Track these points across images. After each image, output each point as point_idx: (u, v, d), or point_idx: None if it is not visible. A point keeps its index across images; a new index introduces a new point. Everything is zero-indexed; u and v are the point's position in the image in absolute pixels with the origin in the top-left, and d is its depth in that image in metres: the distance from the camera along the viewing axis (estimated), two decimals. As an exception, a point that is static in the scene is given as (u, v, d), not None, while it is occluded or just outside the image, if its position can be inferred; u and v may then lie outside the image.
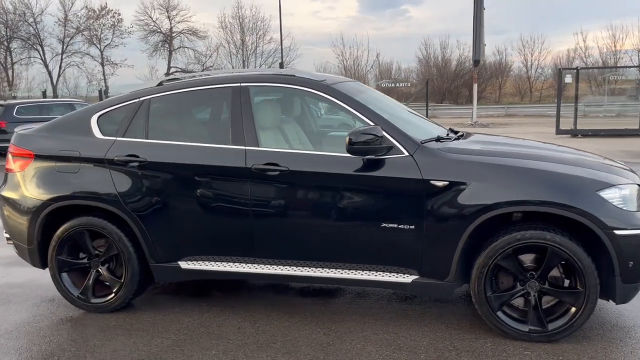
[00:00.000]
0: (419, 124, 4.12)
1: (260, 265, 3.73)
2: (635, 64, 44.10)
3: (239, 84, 3.83)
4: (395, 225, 3.45)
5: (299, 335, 3.54)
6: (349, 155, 3.51)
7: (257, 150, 3.66)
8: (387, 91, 27.81)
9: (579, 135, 16.02)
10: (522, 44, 47.90)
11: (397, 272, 3.53)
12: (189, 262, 3.83)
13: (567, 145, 4.42)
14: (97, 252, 4.01)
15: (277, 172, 3.57)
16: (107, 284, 4.02)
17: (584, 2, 60.99)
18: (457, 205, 3.33)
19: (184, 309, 4.02)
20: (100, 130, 3.99)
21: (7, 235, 4.27)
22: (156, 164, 3.79)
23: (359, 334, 3.55)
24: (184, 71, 42.83)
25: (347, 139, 3.38)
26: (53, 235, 4.00)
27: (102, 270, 4.00)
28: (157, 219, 3.80)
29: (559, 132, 16.26)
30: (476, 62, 24.61)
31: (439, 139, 3.72)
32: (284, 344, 3.43)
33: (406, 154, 3.45)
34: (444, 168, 3.40)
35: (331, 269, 3.61)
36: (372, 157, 3.45)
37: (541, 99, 45.72)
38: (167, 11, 45.55)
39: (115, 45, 45.51)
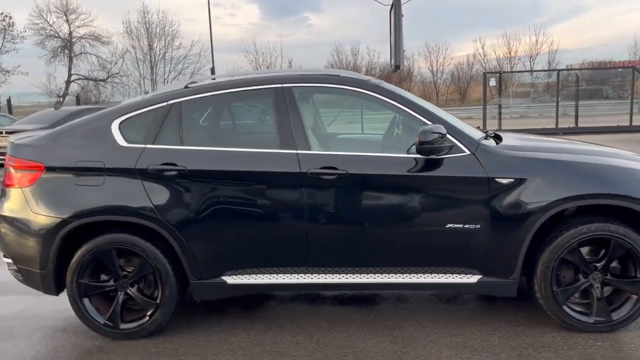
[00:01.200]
0: (459, 122, 4.11)
1: (314, 275, 3.52)
2: (529, 69, 47.63)
3: (281, 85, 3.61)
4: (461, 226, 3.39)
5: (366, 346, 3.39)
6: (408, 155, 3.43)
7: (311, 153, 3.46)
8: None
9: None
10: (428, 50, 50.18)
11: (461, 273, 3.47)
12: (235, 277, 3.54)
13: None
14: (124, 272, 3.61)
15: (335, 176, 3.40)
16: (137, 307, 3.64)
17: (480, 11, 64.92)
18: (523, 201, 3.34)
19: (224, 328, 3.71)
20: (123, 137, 3.60)
21: (8, 260, 3.74)
22: (198, 172, 3.48)
23: (425, 338, 3.45)
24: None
25: (417, 138, 3.28)
26: (71, 256, 3.56)
27: (132, 292, 3.60)
28: (200, 232, 3.49)
29: (485, 133, 17.07)
30: (397, 67, 25.24)
31: (487, 137, 3.73)
32: (357, 356, 3.26)
33: (468, 152, 3.42)
34: (506, 165, 3.39)
35: (391, 274, 3.49)
36: (435, 156, 3.38)
37: (447, 102, 48.23)
38: (66, 15, 42.68)
39: (7, 51, 42.05)
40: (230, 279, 3.54)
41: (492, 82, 17.35)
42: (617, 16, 62.46)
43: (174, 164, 3.48)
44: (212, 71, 27.96)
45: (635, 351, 3.21)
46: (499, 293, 3.55)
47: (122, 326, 3.60)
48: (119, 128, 3.63)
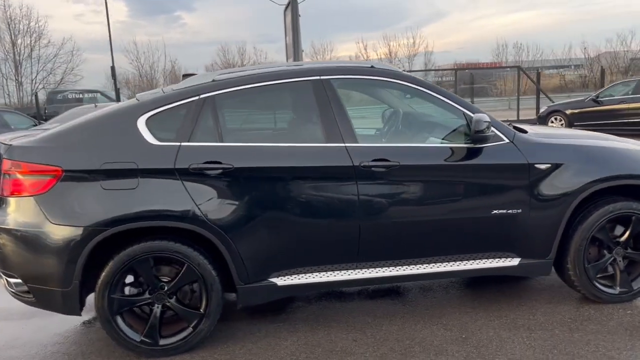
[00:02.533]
0: None
1: (364, 270, 3.47)
2: (408, 69, 50.34)
3: (318, 77, 3.50)
4: (505, 211, 3.52)
5: (424, 336, 3.40)
6: (455, 145, 3.51)
7: (360, 146, 3.40)
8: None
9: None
10: (314, 50, 51.02)
11: (501, 257, 3.61)
12: (284, 278, 3.38)
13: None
14: (161, 282, 3.30)
15: (388, 168, 3.37)
16: (172, 320, 3.34)
17: (348, 14, 67.38)
18: (560, 185, 3.54)
19: (267, 332, 3.52)
20: (152, 134, 3.28)
21: (16, 280, 3.26)
22: (245, 169, 3.27)
23: (474, 323, 3.54)
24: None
25: (472, 128, 3.36)
26: (98, 269, 3.19)
27: (171, 303, 3.30)
28: (249, 233, 3.28)
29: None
30: (296, 66, 25.58)
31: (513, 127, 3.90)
32: (423, 346, 3.26)
33: (507, 140, 3.55)
34: (542, 152, 3.58)
35: (439, 263, 3.54)
36: (482, 145, 3.48)
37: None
38: None
39: None
40: (279, 281, 3.37)
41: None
42: (472, 22, 68.23)
43: (219, 162, 3.24)
44: (113, 70, 26.10)
45: (660, 315, 3.56)
46: (536, 273, 3.74)
47: (162, 342, 3.29)
48: (146, 125, 3.30)
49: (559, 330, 3.39)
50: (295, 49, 26.26)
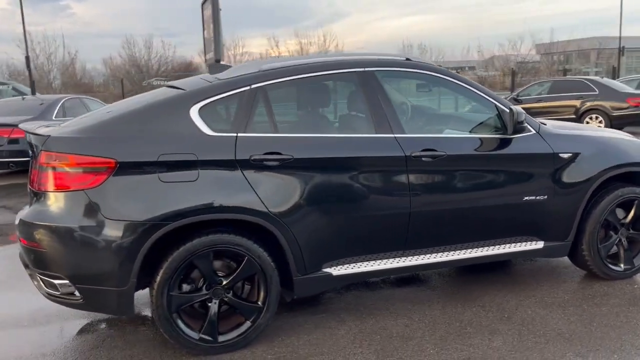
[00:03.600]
0: None
1: (410, 258, 3.57)
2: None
3: (363, 69, 3.56)
4: (534, 198, 3.78)
5: (470, 317, 3.55)
6: (493, 135, 3.71)
7: (409, 137, 3.50)
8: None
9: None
10: (225, 46, 50.34)
11: (528, 241, 3.85)
12: (338, 268, 3.40)
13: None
14: (219, 277, 3.20)
15: (434, 158, 3.50)
16: (227, 315, 3.25)
17: (251, 10, 67.06)
18: (579, 173, 3.86)
19: (316, 324, 3.51)
20: (207, 125, 3.18)
21: (63, 282, 3.02)
22: (304, 160, 3.25)
23: (507, 303, 3.75)
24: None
25: (513, 121, 3.57)
26: (156, 265, 3.04)
27: (229, 298, 3.21)
28: (308, 224, 3.27)
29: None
30: (217, 61, 25.08)
31: None
32: (475, 327, 3.41)
33: (534, 132, 3.81)
34: (563, 142, 3.87)
35: (475, 249, 3.72)
36: (517, 135, 3.71)
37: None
38: None
39: None
40: (334, 271, 3.39)
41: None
42: (372, 23, 70.72)
43: (278, 153, 3.20)
44: (27, 60, 24.06)
45: (662, 288, 3.99)
46: (556, 255, 4.03)
47: (221, 338, 3.19)
48: (200, 115, 3.19)
49: (587, 306, 3.69)
50: (216, 44, 25.77)
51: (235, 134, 3.20)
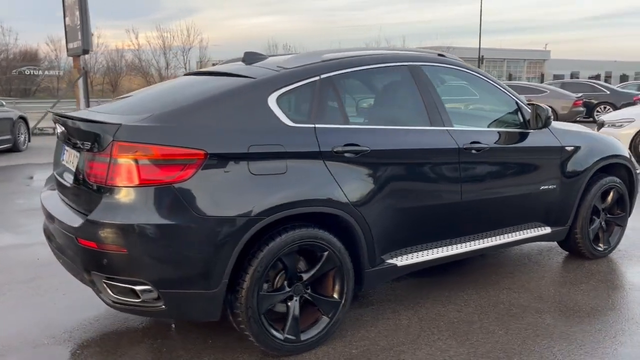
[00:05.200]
0: None
1: (459, 245, 3.73)
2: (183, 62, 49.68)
3: (413, 63, 3.65)
4: (547, 187, 4.16)
5: (509, 298, 3.81)
6: (519, 130, 4.04)
7: (458, 129, 3.66)
8: None
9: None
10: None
11: (539, 227, 4.23)
12: (400, 258, 3.45)
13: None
14: (299, 274, 3.07)
15: (479, 151, 3.69)
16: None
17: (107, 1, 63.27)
18: (579, 164, 4.32)
19: (374, 316, 3.52)
20: (285, 115, 3.04)
21: (144, 287, 2.70)
22: (379, 152, 3.25)
23: (530, 283, 4.08)
24: None
25: (544, 116, 3.90)
26: (246, 264, 2.85)
27: (309, 294, 3.10)
28: (381, 216, 3.27)
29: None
30: (85, 51, 23.17)
31: None
32: (522, 308, 3.67)
33: (546, 127, 4.18)
34: (567, 137, 4.31)
35: (504, 235, 3.99)
36: (537, 130, 4.05)
37: (102, 93, 46.13)
38: None
39: None
40: (398, 261, 3.42)
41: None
42: (225, 20, 70.57)
43: (356, 144, 3.17)
44: None
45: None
46: (557, 238, 4.45)
47: (303, 337, 3.08)
48: (277, 104, 3.05)
49: (594, 282, 4.16)
50: (84, 32, 23.85)
51: (313, 125, 3.10)
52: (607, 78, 50.98)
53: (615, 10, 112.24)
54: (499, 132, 3.99)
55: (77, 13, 23.23)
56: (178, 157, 2.69)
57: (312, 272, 3.08)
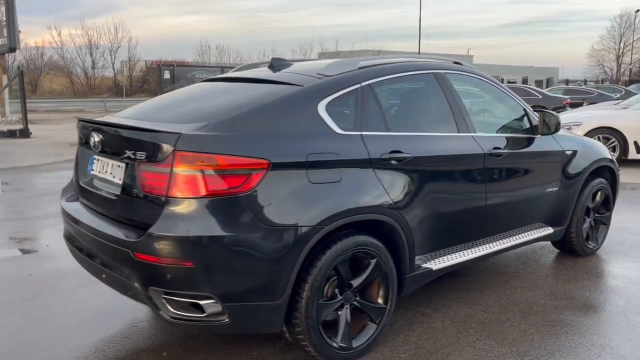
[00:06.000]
0: None
1: (480, 247, 3.85)
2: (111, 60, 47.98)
3: (437, 70, 3.75)
4: (551, 189, 4.38)
5: (533, 298, 3.98)
6: (528, 135, 4.23)
7: (480, 136, 3.79)
8: None
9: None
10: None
11: (543, 227, 4.44)
12: (434, 262, 3.52)
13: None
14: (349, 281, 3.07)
15: (499, 156, 3.84)
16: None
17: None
18: (576, 166, 4.58)
19: (407, 320, 3.58)
20: (334, 122, 3.04)
21: (209, 302, 2.61)
22: (420, 158, 3.31)
23: (546, 279, 4.28)
24: None
25: (555, 122, 4.10)
26: (305, 274, 2.82)
27: (359, 301, 3.11)
28: (421, 221, 3.33)
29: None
30: (12, 49, 21.84)
31: None
32: (543, 307, 3.85)
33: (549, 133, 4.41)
34: (565, 141, 4.55)
35: (512, 236, 4.15)
36: (544, 135, 4.25)
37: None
38: None
39: None
40: (433, 265, 3.49)
41: (167, 74, 17.36)
42: (147, 18, 68.95)
43: (400, 151, 3.21)
44: None
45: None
46: (556, 238, 4.68)
47: (355, 344, 3.09)
48: (327, 111, 3.04)
49: (594, 277, 4.42)
50: (9, 28, 22.48)
51: (359, 133, 3.12)
52: (524, 83, 54.03)
53: (525, 19, 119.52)
54: (512, 137, 4.15)
55: (3, 9, 21.96)
56: (243, 166, 2.63)
57: (361, 279, 3.09)
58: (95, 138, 2.99)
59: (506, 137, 4.06)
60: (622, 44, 64.92)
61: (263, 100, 2.97)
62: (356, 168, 3.02)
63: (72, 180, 3.56)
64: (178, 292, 2.62)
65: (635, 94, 23.91)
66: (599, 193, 4.95)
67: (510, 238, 4.08)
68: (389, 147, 3.18)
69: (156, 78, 49.15)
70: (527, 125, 4.27)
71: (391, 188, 3.14)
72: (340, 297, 3.01)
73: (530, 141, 4.21)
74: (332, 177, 2.89)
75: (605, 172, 5.01)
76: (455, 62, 4.06)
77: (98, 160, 3.13)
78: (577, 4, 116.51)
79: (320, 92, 3.08)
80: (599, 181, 4.88)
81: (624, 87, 29.64)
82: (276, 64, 3.63)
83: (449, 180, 3.54)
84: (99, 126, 3.04)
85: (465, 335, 3.40)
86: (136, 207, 2.76)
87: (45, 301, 3.89)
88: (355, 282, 3.08)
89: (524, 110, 4.28)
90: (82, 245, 3.12)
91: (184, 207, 2.58)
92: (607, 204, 5.09)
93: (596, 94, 23.48)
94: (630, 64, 61.67)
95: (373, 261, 3.09)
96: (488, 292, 4.10)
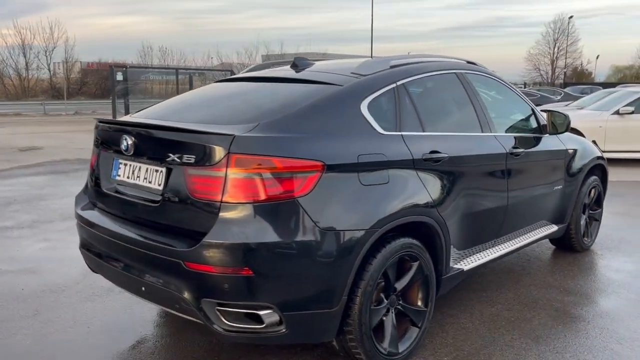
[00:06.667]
0: None
1: (502, 245, 3.88)
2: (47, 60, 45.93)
3: (459, 70, 3.75)
4: (557, 187, 4.48)
5: (548, 296, 4.03)
6: (537, 135, 4.29)
7: (501, 135, 3.82)
8: None
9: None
10: None
11: (548, 225, 4.53)
12: (464, 262, 3.50)
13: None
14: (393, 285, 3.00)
15: (519, 155, 3.87)
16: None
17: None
18: (577, 164, 4.70)
19: (435, 321, 3.54)
20: (376, 122, 2.96)
21: (267, 312, 2.47)
22: (454, 158, 3.27)
23: (553, 276, 4.35)
24: None
25: (567, 121, 4.18)
26: (357, 279, 2.73)
27: (402, 305, 3.04)
28: (457, 222, 3.31)
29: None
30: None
31: None
32: (553, 307, 3.91)
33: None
34: (567, 141, 4.65)
35: (527, 234, 4.21)
36: (552, 134, 4.33)
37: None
38: None
39: None
40: (464, 265, 3.47)
41: (119, 76, 16.69)
42: (80, 18, 66.73)
43: (438, 152, 3.17)
44: None
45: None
46: (558, 235, 4.78)
47: (400, 348, 3.01)
48: (369, 111, 2.96)
49: (599, 272, 4.54)
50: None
51: (400, 133, 3.06)
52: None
53: (462, 24, 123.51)
54: (525, 137, 4.19)
55: None
56: (300, 169, 2.51)
57: (405, 282, 3.03)
58: (128, 141, 2.77)
59: (521, 137, 4.10)
60: (556, 49, 68.00)
61: (307, 100, 2.85)
62: (401, 169, 2.95)
63: (86, 186, 3.32)
64: (234, 303, 2.47)
65: (574, 95, 25.22)
66: (593, 190, 5.10)
67: (525, 236, 4.14)
68: (428, 147, 3.13)
69: (96, 80, 47.55)
70: (535, 125, 4.35)
71: (431, 189, 3.09)
72: (386, 302, 2.94)
73: (539, 140, 4.27)
74: (381, 179, 2.81)
75: (597, 170, 5.17)
76: (469, 62, 4.07)
77: (126, 164, 2.92)
78: (510, 10, 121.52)
79: (361, 92, 2.99)
80: (594, 179, 5.03)
81: (562, 89, 31.05)
82: (300, 64, 3.52)
83: (479, 179, 3.54)
84: (131, 128, 2.83)
85: (498, 335, 3.39)
86: (183, 214, 2.58)
87: (49, 318, 3.58)
88: (399, 286, 3.01)
89: (532, 110, 4.35)
90: (112, 255, 2.89)
91: (241, 213, 2.43)
92: (599, 201, 5.26)
93: (539, 95, 24.44)
94: (565, 68, 64.69)
95: (415, 264, 3.04)
96: (505, 290, 4.12)
